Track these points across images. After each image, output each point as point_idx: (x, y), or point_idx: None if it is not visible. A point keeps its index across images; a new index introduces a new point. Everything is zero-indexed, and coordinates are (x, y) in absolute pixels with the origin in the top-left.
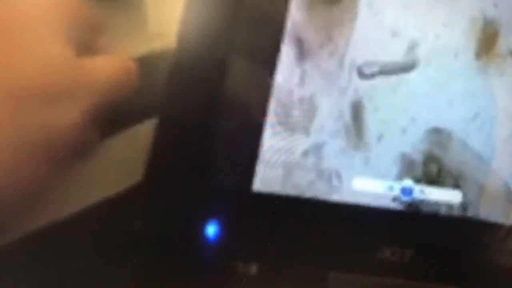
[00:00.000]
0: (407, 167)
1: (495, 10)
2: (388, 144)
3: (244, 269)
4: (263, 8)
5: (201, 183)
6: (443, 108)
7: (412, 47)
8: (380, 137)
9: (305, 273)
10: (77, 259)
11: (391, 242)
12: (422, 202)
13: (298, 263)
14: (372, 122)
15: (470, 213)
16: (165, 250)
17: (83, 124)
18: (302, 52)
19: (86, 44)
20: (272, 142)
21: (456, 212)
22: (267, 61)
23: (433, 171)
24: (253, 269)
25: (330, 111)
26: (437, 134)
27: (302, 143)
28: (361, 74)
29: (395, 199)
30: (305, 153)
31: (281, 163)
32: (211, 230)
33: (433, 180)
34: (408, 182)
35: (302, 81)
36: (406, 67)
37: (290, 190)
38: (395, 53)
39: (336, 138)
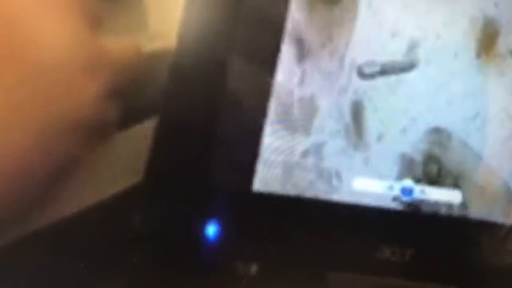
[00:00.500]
0: (407, 167)
1: (495, 9)
2: (388, 144)
3: (244, 269)
4: (263, 8)
5: (201, 183)
6: (443, 108)
7: (412, 47)
8: (380, 137)
9: (305, 273)
10: (77, 259)
11: (391, 242)
12: (422, 202)
13: (298, 263)
14: (372, 122)
15: (470, 213)
16: (165, 250)
17: (101, 100)
18: (303, 52)
19: (100, 22)
20: (272, 142)
21: (456, 212)
22: (267, 61)
23: (433, 171)
24: (253, 269)
25: (330, 111)
26: (437, 134)
27: (302, 143)
28: (361, 74)
29: (395, 199)
30: (305, 153)
31: (281, 163)
32: (211, 230)
33: (433, 180)
34: (408, 182)
35: (302, 81)
36: (406, 67)
37: (290, 190)
38: (395, 53)
39: (336, 138)
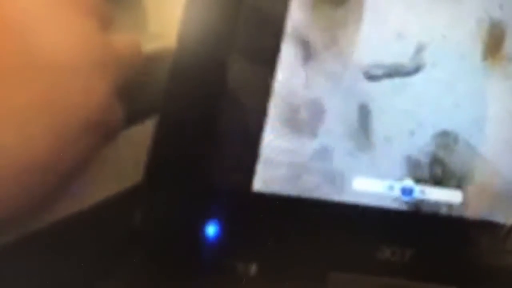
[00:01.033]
0: (413, 170)
1: (500, 11)
2: (394, 147)
3: (244, 269)
4: (263, 7)
5: (201, 183)
6: (450, 110)
7: (418, 49)
8: (386, 140)
9: (305, 273)
10: (77, 259)
11: (391, 242)
12: (422, 202)
13: (298, 263)
14: (378, 124)
15: (470, 213)
16: (165, 250)
17: (110, 99)
18: (308, 53)
19: (110, 22)
20: (273, 142)
21: (456, 212)
22: (268, 61)
23: (438, 173)
24: (253, 269)
25: (336, 113)
26: (444, 137)
27: (306, 144)
28: (367, 77)
29: (395, 199)
30: (309, 154)
31: (281, 163)
32: (211, 230)
33: (438, 181)
34: (408, 182)
35: (307, 82)
36: (413, 69)
37: (290, 190)
38: (401, 55)
39: (342, 141)
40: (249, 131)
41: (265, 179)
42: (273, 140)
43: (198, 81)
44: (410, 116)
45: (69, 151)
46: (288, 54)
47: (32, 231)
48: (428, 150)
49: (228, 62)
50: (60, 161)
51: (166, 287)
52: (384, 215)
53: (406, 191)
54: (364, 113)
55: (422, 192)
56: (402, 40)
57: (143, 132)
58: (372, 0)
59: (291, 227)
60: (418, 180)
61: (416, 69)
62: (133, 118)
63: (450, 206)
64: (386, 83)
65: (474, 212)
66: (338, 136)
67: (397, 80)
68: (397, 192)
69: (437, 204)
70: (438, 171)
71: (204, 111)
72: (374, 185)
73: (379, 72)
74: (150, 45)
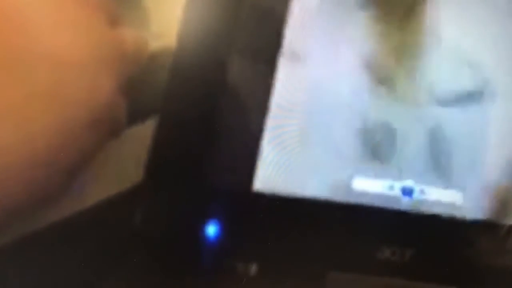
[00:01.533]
0: None
1: None
2: (465, 175)
3: (244, 269)
4: (264, 7)
5: (201, 183)
6: None
7: (488, 76)
8: (456, 166)
9: (305, 273)
10: (77, 259)
11: (391, 242)
12: (422, 202)
13: (298, 263)
14: (449, 150)
15: (470, 213)
16: (165, 250)
17: (115, 96)
18: (377, 78)
19: (116, 18)
20: (273, 142)
21: (456, 212)
22: (268, 61)
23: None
24: (253, 269)
25: (407, 136)
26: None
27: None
28: (438, 102)
29: (395, 199)
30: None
31: (282, 163)
32: (211, 230)
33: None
34: (408, 182)
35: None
36: (481, 96)
37: (290, 190)
38: (470, 82)
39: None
40: (249, 131)
41: (265, 179)
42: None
43: (198, 81)
44: (480, 143)
45: (73, 148)
46: (358, 77)
47: (32, 231)
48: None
49: (228, 62)
50: (64, 157)
51: (166, 287)
52: (384, 215)
53: (406, 191)
54: (434, 137)
55: (422, 192)
56: (472, 68)
57: (143, 132)
58: (445, 28)
59: (291, 227)
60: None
61: (486, 96)
62: (133, 117)
63: (450, 206)
64: (456, 109)
65: (474, 212)
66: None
67: (467, 107)
68: (397, 192)
69: (437, 204)
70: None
71: (204, 111)
72: (374, 185)
73: (449, 97)
74: (150, 45)
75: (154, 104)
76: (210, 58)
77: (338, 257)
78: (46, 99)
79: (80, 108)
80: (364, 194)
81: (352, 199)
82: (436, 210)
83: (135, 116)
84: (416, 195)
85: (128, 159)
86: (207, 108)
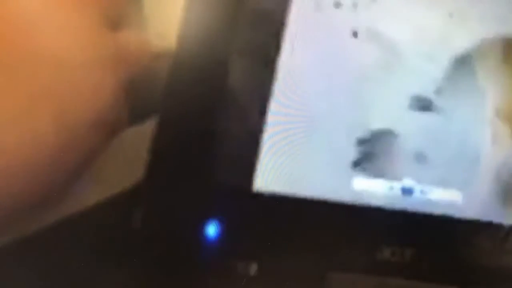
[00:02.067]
0: None
1: None
2: None
3: (244, 269)
4: (264, 7)
5: (202, 183)
6: None
7: None
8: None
9: (305, 273)
10: (76, 259)
11: (391, 242)
12: (422, 202)
13: (298, 263)
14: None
15: (470, 213)
16: (165, 250)
17: (117, 95)
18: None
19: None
20: (273, 142)
21: (456, 212)
22: (268, 61)
23: None
24: (253, 268)
25: None
26: None
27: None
28: None
29: (395, 199)
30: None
31: (282, 163)
32: (211, 229)
33: None
34: (408, 182)
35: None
36: None
37: (290, 190)
38: None
39: None
40: (249, 130)
41: (265, 179)
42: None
43: (199, 81)
44: None
45: (75, 148)
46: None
47: (32, 231)
48: None
49: (228, 62)
50: (66, 157)
51: (166, 287)
52: (384, 215)
53: (406, 191)
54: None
55: (422, 192)
56: None
57: (144, 132)
58: None
59: (291, 227)
60: None
61: None
62: (133, 118)
63: (450, 206)
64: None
65: (474, 212)
66: None
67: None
68: (397, 192)
69: (437, 204)
70: None
71: (204, 111)
72: (374, 185)
73: None
74: (152, 46)
75: (154, 104)
76: (210, 58)
77: (338, 257)
78: (49, 100)
79: (83, 109)
80: (364, 194)
81: (352, 199)
82: (436, 210)
83: (135, 116)
84: (416, 195)
85: (128, 159)
86: (207, 108)
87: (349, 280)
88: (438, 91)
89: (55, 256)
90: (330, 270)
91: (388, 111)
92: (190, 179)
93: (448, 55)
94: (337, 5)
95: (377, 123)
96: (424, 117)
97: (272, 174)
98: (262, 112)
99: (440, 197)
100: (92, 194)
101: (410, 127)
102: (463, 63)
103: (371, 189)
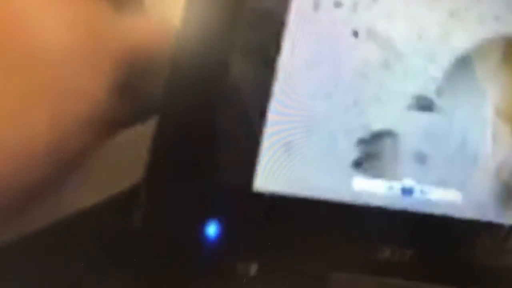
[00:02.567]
0: None
1: None
2: None
3: (244, 269)
4: (264, 7)
5: (201, 183)
6: None
7: None
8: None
9: (305, 273)
10: (77, 259)
11: (391, 242)
12: (422, 202)
13: (298, 263)
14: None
15: (470, 213)
16: (165, 250)
17: (112, 94)
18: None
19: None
20: (273, 141)
21: (456, 212)
22: (268, 61)
23: None
24: (253, 269)
25: None
26: None
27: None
28: None
29: (395, 199)
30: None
31: (282, 163)
32: (212, 229)
33: None
34: (408, 182)
35: None
36: None
37: (290, 190)
38: None
39: None
40: (249, 130)
41: (265, 179)
42: (274, 139)
43: (198, 81)
44: None
45: (71, 145)
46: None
47: (32, 231)
48: None
49: (228, 62)
50: (61, 154)
51: (166, 287)
52: (384, 215)
53: (406, 191)
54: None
55: (422, 192)
56: None
57: (143, 132)
58: None
59: (291, 227)
60: None
61: None
62: (133, 117)
63: (450, 206)
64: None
65: (474, 212)
66: None
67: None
68: (397, 192)
69: (437, 204)
70: None
71: (204, 111)
72: (374, 185)
73: None
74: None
75: (154, 104)
76: (210, 58)
77: (338, 257)
78: (45, 96)
79: (78, 107)
80: (364, 194)
81: (352, 199)
82: (436, 210)
83: (135, 116)
84: (416, 195)
85: (128, 159)
86: (207, 108)
87: (349, 280)
88: (438, 91)
89: (54, 256)
90: (330, 270)
91: (388, 111)
92: (190, 179)
93: (448, 55)
94: (337, 4)
95: (377, 123)
96: (424, 117)
97: (272, 174)
98: (262, 112)
99: (440, 197)
100: (92, 194)
101: (410, 127)
102: (463, 63)
103: (371, 189)
